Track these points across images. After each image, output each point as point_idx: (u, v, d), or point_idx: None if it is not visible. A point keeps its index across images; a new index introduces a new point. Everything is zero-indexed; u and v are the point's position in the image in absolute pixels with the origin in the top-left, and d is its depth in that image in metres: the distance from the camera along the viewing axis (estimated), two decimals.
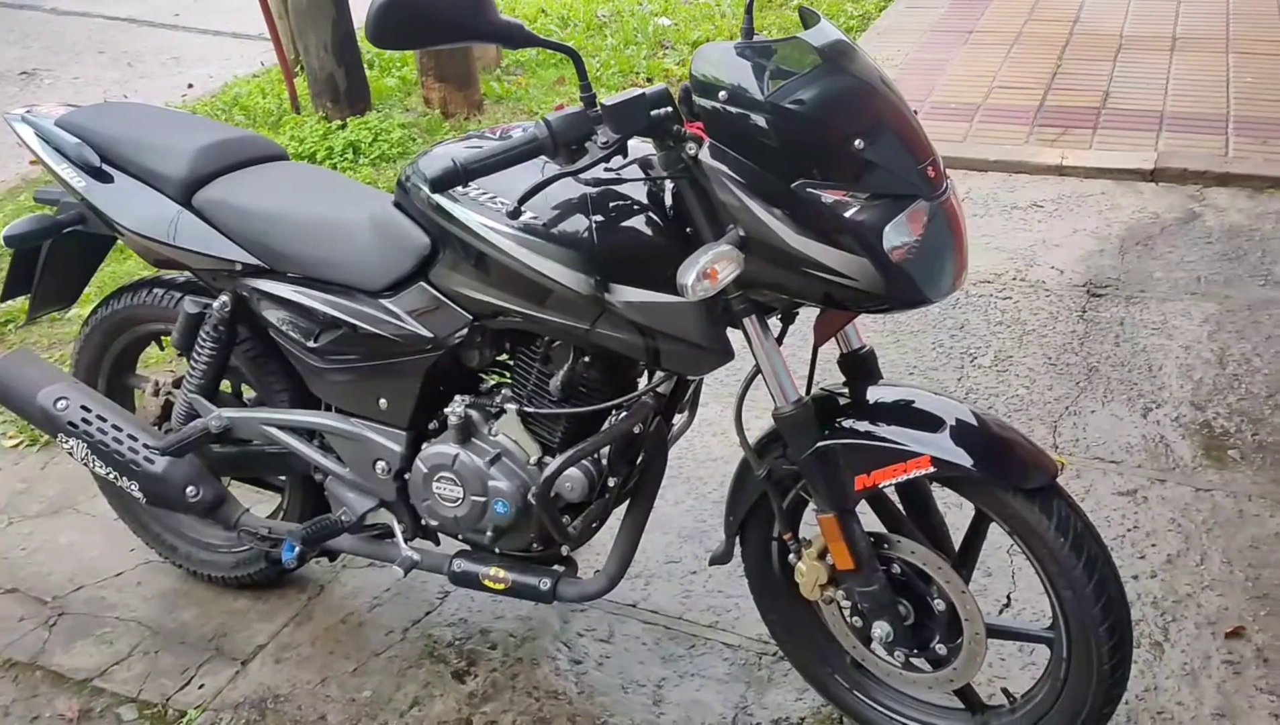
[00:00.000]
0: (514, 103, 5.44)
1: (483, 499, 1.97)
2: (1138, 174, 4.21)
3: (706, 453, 2.85)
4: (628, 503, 2.04)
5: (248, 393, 2.39)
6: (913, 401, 1.78)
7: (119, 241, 2.29)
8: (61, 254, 2.33)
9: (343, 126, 4.93)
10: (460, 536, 2.09)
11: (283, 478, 2.37)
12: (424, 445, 2.04)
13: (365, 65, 5.29)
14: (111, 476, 2.19)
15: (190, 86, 6.14)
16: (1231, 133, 4.44)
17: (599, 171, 1.69)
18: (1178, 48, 5.39)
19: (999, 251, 3.78)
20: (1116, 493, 2.62)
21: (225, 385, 2.35)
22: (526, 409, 1.94)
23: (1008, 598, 2.34)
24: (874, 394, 1.80)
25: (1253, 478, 2.65)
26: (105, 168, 2.14)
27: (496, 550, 2.06)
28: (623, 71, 5.67)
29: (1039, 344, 3.24)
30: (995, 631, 1.86)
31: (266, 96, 5.58)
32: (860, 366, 1.84)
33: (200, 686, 2.26)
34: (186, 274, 2.26)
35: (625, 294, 1.71)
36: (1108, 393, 3.00)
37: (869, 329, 3.37)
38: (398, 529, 2.13)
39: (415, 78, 5.49)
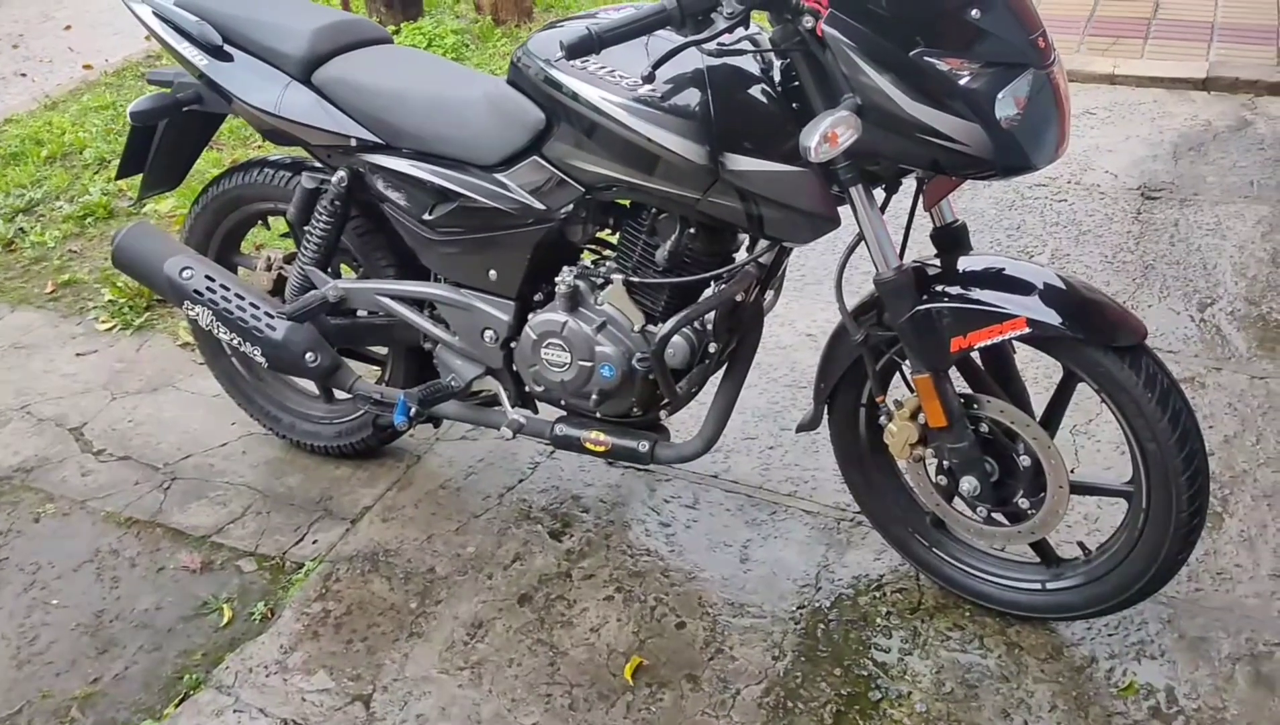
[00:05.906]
0: (563, 10, 5.47)
1: (589, 364, 2.09)
2: (1189, 83, 4.25)
3: (775, 342, 2.96)
4: (724, 370, 2.16)
5: (348, 274, 2.50)
6: (1003, 269, 1.89)
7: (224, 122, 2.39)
8: (174, 134, 2.42)
9: (396, 31, 4.98)
10: (563, 402, 2.21)
11: (385, 350, 2.50)
12: (530, 314, 2.15)
13: None
14: (235, 342, 2.31)
15: None
16: None
17: (711, 46, 1.79)
18: None
19: None
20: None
21: None
22: (632, 279, 2.05)
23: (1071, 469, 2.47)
24: (964, 263, 1.91)
25: None
26: (226, 47, 2.23)
27: (598, 415, 2.19)
28: None
29: (1095, 243, 3.33)
30: (1077, 487, 1.98)
31: (321, 1, 5.62)
32: (952, 239, 1.95)
33: (314, 542, 2.41)
34: (293, 155, 2.37)
35: (739, 163, 1.81)
36: (1164, 288, 3.10)
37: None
38: (504, 395, 2.26)
39: None
